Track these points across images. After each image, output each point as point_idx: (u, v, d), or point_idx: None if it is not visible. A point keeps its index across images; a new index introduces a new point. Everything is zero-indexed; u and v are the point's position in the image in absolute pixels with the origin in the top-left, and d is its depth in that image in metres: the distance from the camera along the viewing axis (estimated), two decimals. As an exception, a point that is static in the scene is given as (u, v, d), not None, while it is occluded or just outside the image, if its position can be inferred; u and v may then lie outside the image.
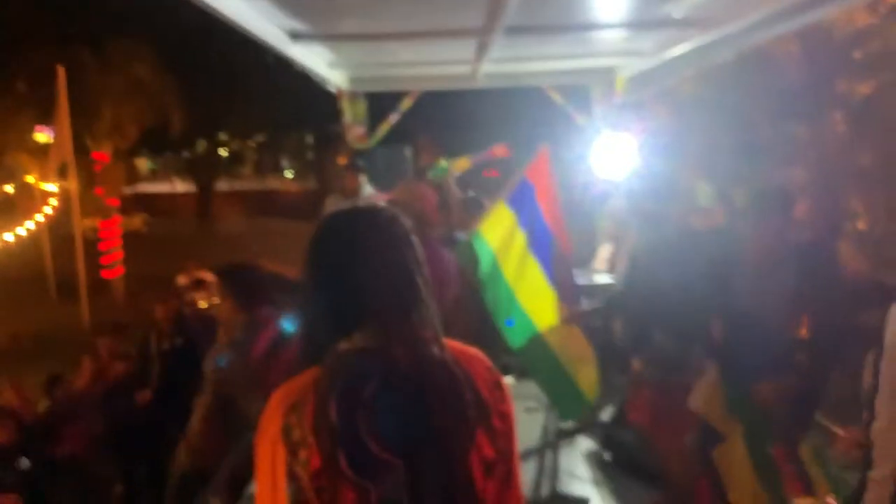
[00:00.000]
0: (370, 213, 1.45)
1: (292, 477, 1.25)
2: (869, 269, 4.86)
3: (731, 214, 4.42)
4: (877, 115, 5.99)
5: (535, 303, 3.71)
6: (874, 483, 1.87)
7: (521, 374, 5.59)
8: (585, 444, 4.93)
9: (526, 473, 4.46)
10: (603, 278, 5.56)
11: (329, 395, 1.25)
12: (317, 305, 1.38)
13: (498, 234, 3.70)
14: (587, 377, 3.71)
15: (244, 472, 3.77)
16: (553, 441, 4.55)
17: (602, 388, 5.44)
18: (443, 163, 5.55)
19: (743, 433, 3.15)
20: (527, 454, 4.53)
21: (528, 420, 4.83)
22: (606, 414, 5.02)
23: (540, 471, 4.44)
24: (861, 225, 5.90)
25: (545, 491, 4.30)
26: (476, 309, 3.84)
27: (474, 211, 4.57)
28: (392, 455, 1.24)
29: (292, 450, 1.25)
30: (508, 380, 5.39)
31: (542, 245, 3.68)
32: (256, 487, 1.31)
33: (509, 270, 3.70)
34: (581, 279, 5.23)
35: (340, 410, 1.23)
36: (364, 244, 1.39)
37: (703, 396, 3.29)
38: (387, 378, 1.28)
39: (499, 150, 5.91)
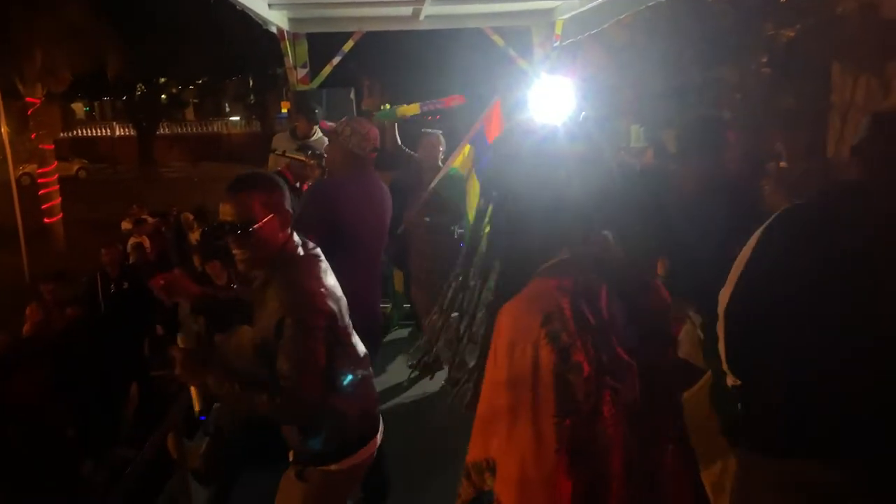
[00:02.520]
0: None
1: (562, 381, 1.24)
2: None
3: (661, 155, 4.64)
4: (799, 59, 6.25)
5: None
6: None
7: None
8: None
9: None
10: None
11: (581, 302, 1.27)
12: (542, 224, 1.39)
13: (466, 169, 4.32)
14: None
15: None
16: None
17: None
18: (390, 107, 5.62)
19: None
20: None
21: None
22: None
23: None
24: (783, 164, 6.21)
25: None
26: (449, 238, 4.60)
27: (439, 144, 4.82)
28: (628, 358, 1.28)
29: (563, 353, 1.24)
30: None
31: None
32: (501, 392, 1.29)
33: (472, 203, 4.29)
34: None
35: (594, 316, 1.27)
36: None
37: (689, 342, 3.35)
38: (614, 286, 1.32)
39: (454, 99, 5.96)
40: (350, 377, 2.24)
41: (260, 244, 2.11)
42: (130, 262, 9.07)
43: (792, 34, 6.39)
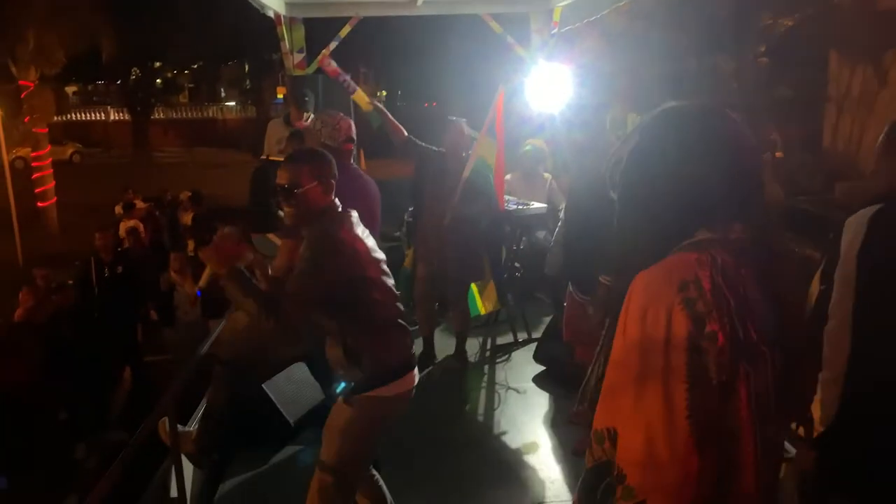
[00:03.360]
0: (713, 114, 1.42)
1: (695, 349, 1.21)
2: (783, 196, 5.16)
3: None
4: (796, 49, 6.23)
5: None
6: (825, 383, 1.97)
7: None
8: (521, 357, 5.24)
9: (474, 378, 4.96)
10: (539, 206, 5.75)
11: (719, 278, 1.24)
12: (678, 198, 1.34)
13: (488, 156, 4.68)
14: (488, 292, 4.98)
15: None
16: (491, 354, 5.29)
17: (534, 308, 5.83)
18: (374, 116, 5.46)
19: None
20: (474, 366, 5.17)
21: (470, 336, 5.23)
22: (539, 331, 5.32)
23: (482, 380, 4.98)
24: (778, 154, 6.20)
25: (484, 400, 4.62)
26: (478, 227, 4.78)
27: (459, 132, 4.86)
28: (762, 343, 1.25)
29: (697, 321, 1.21)
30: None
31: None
32: (630, 358, 1.28)
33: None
34: (515, 205, 5.51)
35: (732, 295, 1.24)
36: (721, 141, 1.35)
37: None
38: (755, 272, 1.29)
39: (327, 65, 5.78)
40: (384, 319, 2.63)
41: (304, 204, 2.55)
42: (124, 246, 9.05)
43: (790, 23, 6.37)
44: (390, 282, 2.72)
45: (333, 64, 5.12)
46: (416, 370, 2.74)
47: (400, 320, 2.72)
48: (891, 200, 1.97)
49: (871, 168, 2.16)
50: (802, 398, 1.48)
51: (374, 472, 2.95)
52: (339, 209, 2.66)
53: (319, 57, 5.92)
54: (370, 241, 2.68)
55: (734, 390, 1.23)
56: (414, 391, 2.73)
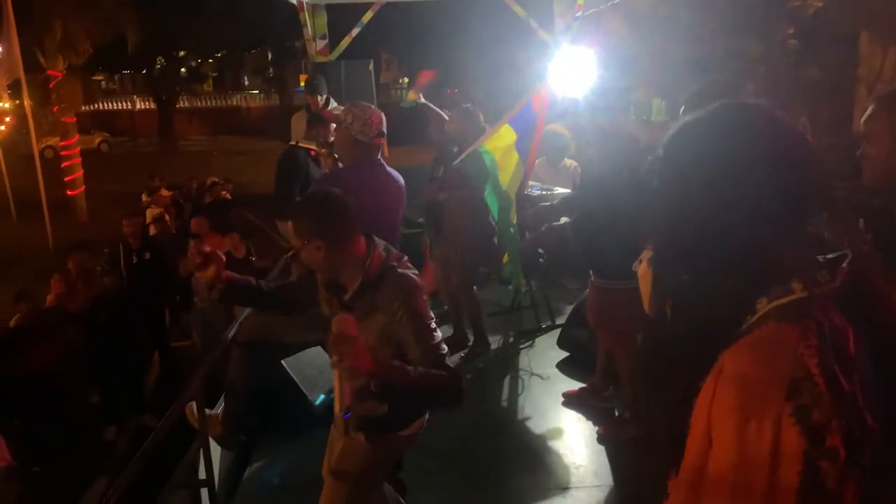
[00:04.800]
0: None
1: (810, 469, 0.98)
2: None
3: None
4: (825, 30, 6.11)
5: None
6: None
7: (484, 282, 5.88)
8: (545, 343, 5.24)
9: (491, 372, 4.89)
10: (563, 192, 5.72)
11: (831, 362, 0.99)
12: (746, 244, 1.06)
13: (500, 150, 4.18)
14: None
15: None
16: (515, 340, 5.19)
17: (558, 294, 5.82)
18: (410, 97, 5.47)
19: None
20: (492, 354, 5.09)
21: (492, 323, 5.24)
22: (563, 317, 5.31)
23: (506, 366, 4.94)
24: (808, 137, 6.07)
25: (507, 388, 4.63)
26: (480, 214, 4.38)
27: (473, 119, 4.72)
28: (874, 423, 1.02)
29: (814, 437, 0.97)
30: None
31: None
32: (724, 475, 1.04)
33: (505, 181, 4.22)
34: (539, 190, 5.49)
35: (846, 378, 0.99)
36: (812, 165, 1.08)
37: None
38: (859, 326, 1.04)
39: (425, 75, 5.81)
40: None
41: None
42: (152, 233, 9.17)
43: (819, 4, 6.24)
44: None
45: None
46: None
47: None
48: None
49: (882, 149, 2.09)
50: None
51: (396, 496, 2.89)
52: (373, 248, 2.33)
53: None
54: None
55: (842, 497, 1.01)
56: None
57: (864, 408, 1.00)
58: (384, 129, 3.33)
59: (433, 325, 2.24)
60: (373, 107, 3.42)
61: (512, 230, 4.33)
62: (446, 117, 4.86)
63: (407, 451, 2.82)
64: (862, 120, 2.10)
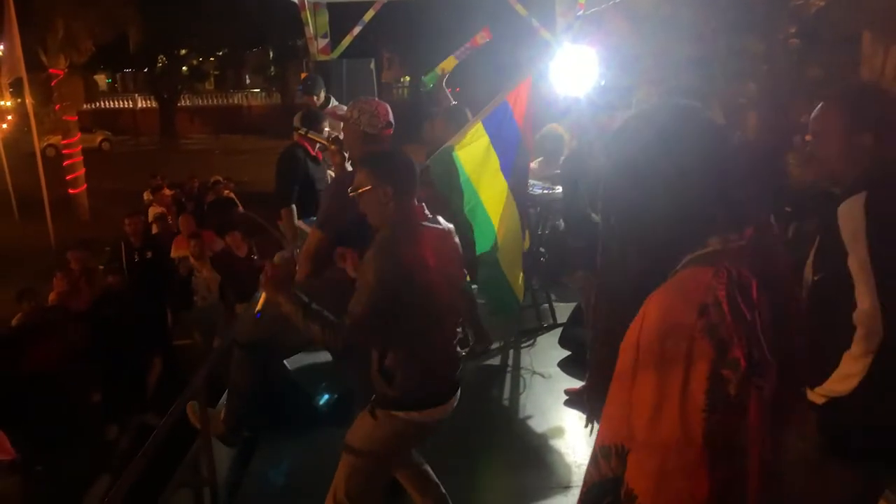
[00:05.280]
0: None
1: (717, 377, 1.19)
2: (812, 179, 5.06)
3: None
4: (828, 29, 6.10)
5: (496, 215, 4.04)
6: (855, 358, 2.05)
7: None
8: (546, 342, 5.24)
9: (492, 370, 4.88)
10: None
11: (737, 294, 1.22)
12: (688, 206, 1.31)
13: (472, 152, 4.02)
14: (517, 281, 4.24)
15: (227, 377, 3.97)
16: (516, 339, 5.15)
17: (559, 292, 5.81)
18: (435, 70, 5.42)
19: None
20: (493, 353, 5.08)
21: (495, 321, 5.20)
22: (565, 316, 5.31)
23: (503, 367, 4.93)
24: (808, 137, 6.07)
25: (509, 385, 4.63)
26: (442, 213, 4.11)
27: (460, 120, 4.66)
28: (771, 356, 1.24)
29: (720, 348, 1.19)
30: (474, 286, 5.66)
31: (509, 147, 4.02)
32: (646, 383, 1.25)
33: (480, 183, 4.06)
34: (540, 189, 5.48)
35: (748, 310, 1.22)
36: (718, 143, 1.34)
37: None
38: (763, 278, 1.26)
39: (480, 37, 5.74)
40: (433, 345, 2.53)
41: (366, 209, 2.54)
42: (153, 232, 9.18)
43: (821, 3, 6.23)
44: (456, 302, 2.63)
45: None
46: (453, 402, 2.61)
47: (450, 348, 2.61)
48: (873, 186, 2.03)
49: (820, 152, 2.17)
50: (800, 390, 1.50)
51: (425, 467, 2.89)
52: (414, 224, 2.52)
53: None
54: (448, 255, 2.59)
55: (746, 408, 1.23)
56: (444, 421, 2.62)
57: (763, 341, 1.22)
58: (391, 120, 3.35)
59: (382, 292, 2.32)
60: (377, 99, 3.44)
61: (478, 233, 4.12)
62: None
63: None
64: (811, 118, 2.16)
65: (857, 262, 2.02)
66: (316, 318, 2.36)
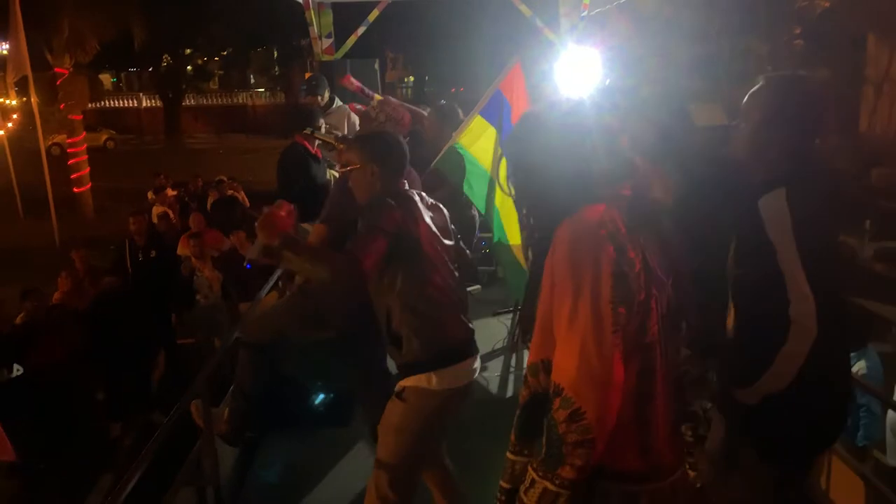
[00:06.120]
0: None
1: (619, 273, 1.45)
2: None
3: (688, 129, 4.54)
4: (832, 30, 6.10)
5: (506, 206, 4.11)
6: (790, 357, 2.04)
7: (489, 282, 5.88)
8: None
9: (495, 370, 4.84)
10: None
11: (627, 219, 1.52)
12: (567, 195, 1.58)
13: (484, 147, 4.03)
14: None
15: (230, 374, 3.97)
16: (518, 340, 5.05)
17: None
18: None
19: None
20: (496, 353, 5.04)
21: (496, 323, 5.16)
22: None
23: (507, 367, 4.88)
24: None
25: (512, 385, 4.62)
26: (461, 210, 4.21)
27: (453, 118, 4.63)
28: (662, 273, 1.53)
29: (620, 249, 1.46)
30: (476, 288, 5.65)
31: None
32: (563, 288, 1.48)
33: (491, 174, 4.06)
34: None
35: (636, 230, 1.53)
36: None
37: None
38: (649, 225, 1.57)
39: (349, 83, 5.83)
40: (433, 300, 2.53)
41: (354, 186, 2.61)
42: (157, 231, 9.20)
43: (826, 4, 6.23)
44: (450, 266, 2.64)
45: (356, 82, 5.24)
46: (470, 363, 2.62)
47: (453, 305, 2.62)
48: (792, 180, 2.07)
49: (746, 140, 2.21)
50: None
51: (448, 464, 2.90)
52: (397, 198, 2.55)
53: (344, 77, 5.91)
54: (437, 222, 2.64)
55: (648, 309, 1.49)
56: (470, 387, 2.63)
57: (649, 253, 1.51)
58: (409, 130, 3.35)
59: (374, 235, 2.37)
60: (402, 107, 3.44)
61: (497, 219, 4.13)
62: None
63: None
64: (746, 96, 2.22)
65: (788, 258, 2.03)
66: (307, 252, 2.41)
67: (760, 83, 2.21)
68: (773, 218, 2.04)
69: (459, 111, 4.65)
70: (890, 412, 4.28)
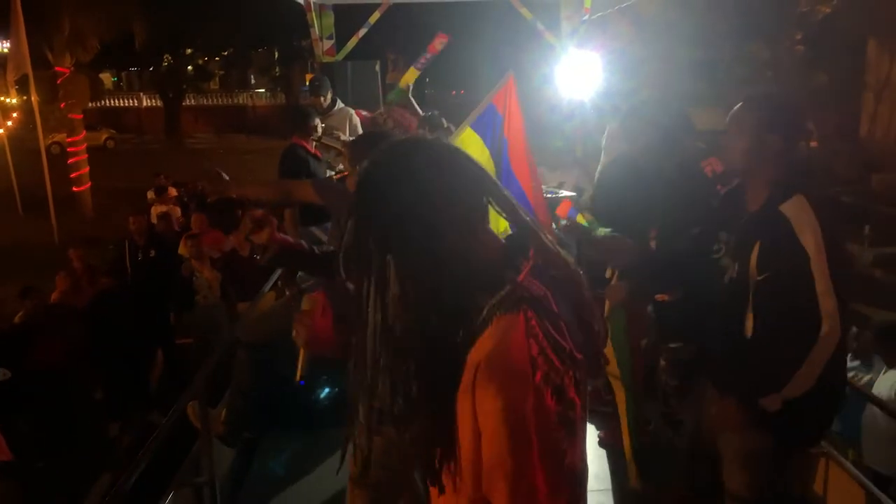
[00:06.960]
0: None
1: (565, 421, 1.18)
2: (818, 186, 5.04)
3: (690, 132, 4.54)
4: (833, 36, 6.11)
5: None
6: (813, 358, 2.11)
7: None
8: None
9: None
10: (568, 194, 5.71)
11: (549, 329, 1.20)
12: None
13: (478, 159, 3.86)
14: None
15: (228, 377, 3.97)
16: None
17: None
18: (399, 86, 5.48)
19: None
20: None
21: None
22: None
23: None
24: (813, 143, 6.08)
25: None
26: None
27: (436, 129, 4.62)
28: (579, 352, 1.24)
29: (561, 397, 1.17)
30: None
31: (501, 158, 3.84)
32: (502, 447, 1.16)
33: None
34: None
35: (560, 336, 1.20)
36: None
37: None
38: (556, 291, 1.27)
39: (436, 43, 5.75)
40: None
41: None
42: (157, 230, 9.19)
43: (827, 10, 6.23)
44: None
45: None
46: None
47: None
48: (804, 187, 2.18)
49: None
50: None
51: None
52: None
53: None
54: None
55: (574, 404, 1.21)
56: None
57: (573, 349, 1.21)
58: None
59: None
60: (409, 113, 3.45)
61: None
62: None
63: None
64: (730, 114, 2.30)
65: (819, 262, 2.10)
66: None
67: (749, 98, 2.31)
68: (805, 224, 2.11)
69: (444, 121, 4.62)
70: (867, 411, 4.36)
